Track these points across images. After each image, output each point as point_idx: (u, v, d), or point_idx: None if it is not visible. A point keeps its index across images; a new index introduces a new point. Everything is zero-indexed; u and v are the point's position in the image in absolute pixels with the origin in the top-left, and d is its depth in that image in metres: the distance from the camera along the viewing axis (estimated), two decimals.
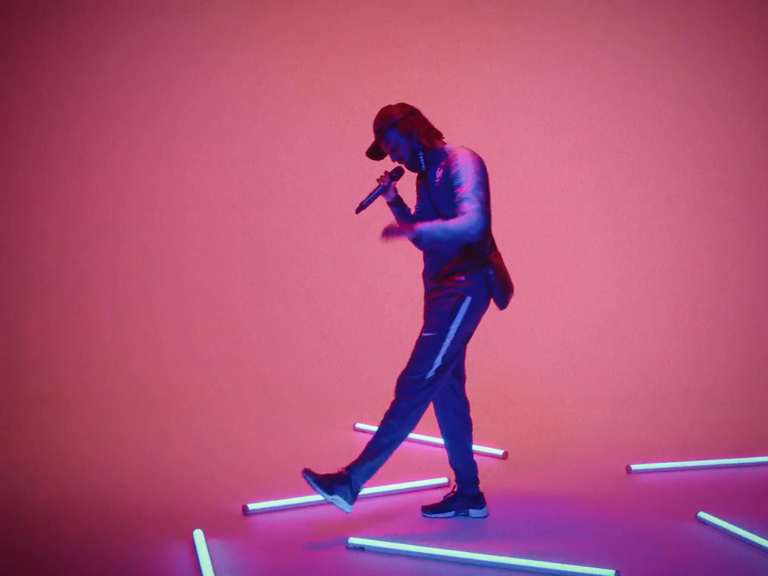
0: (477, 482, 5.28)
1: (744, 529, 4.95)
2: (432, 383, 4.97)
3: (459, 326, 4.95)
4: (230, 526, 5.08)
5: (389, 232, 4.80)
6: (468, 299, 4.93)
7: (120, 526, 5.09)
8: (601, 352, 7.91)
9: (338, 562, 4.69)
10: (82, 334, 7.93)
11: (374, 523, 5.14)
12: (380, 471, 5.08)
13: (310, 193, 8.05)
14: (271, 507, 5.29)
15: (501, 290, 4.96)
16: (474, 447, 6.33)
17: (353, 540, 4.81)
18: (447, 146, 5.01)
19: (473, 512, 5.23)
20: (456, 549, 4.72)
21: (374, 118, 5.04)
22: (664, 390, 7.69)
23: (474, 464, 5.31)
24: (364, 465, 4.96)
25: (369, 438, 6.51)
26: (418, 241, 4.98)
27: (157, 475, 5.96)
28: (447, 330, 4.93)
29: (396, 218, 5.15)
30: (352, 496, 4.89)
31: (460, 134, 7.99)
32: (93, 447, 6.53)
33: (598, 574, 4.40)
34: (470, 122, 7.96)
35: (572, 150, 8.03)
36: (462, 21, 7.97)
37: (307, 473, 4.86)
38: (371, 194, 5.02)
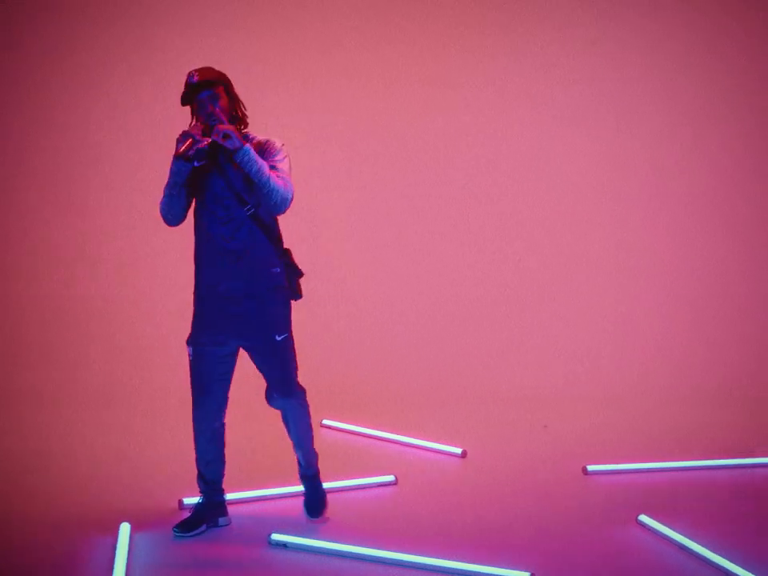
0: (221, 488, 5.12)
1: (681, 534, 4.85)
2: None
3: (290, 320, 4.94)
4: (165, 519, 5.07)
5: (222, 129, 4.54)
6: (286, 291, 4.90)
7: (49, 518, 5.10)
8: (565, 352, 7.78)
9: (259, 558, 4.68)
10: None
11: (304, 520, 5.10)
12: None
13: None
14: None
15: (296, 282, 4.95)
16: (433, 445, 6.36)
17: (275, 536, 4.78)
18: (249, 134, 4.84)
19: (222, 520, 5.04)
20: (380, 548, 4.68)
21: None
22: (630, 390, 7.53)
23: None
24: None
25: (337, 434, 6.61)
26: (232, 155, 4.60)
27: (96, 469, 5.93)
28: (290, 327, 4.93)
29: (178, 185, 4.69)
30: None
31: (461, 133, 8.07)
32: (22, 441, 6.45)
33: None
34: (471, 123, 7.89)
35: (572, 150, 7.90)
36: (462, 21, 7.88)
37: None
38: (192, 145, 4.57)
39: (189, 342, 4.90)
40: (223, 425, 5.00)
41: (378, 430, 6.60)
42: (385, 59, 7.86)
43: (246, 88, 7.60)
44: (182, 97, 4.76)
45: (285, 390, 4.93)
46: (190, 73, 4.75)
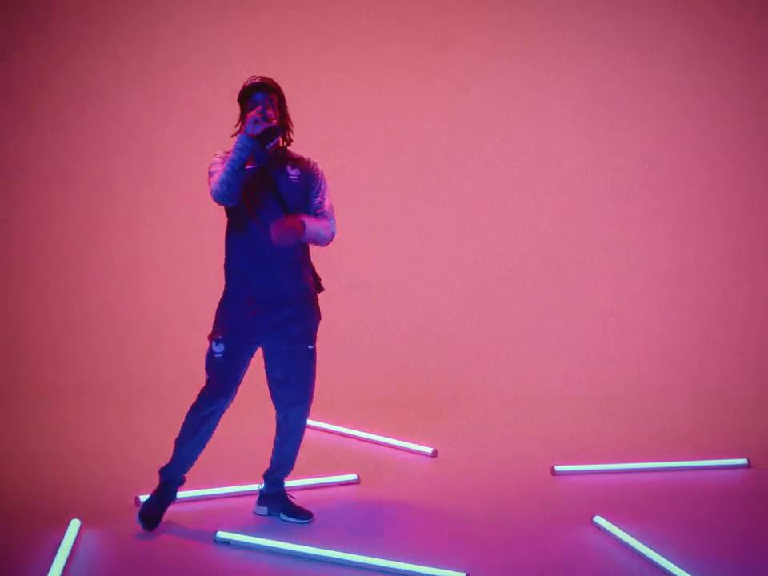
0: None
1: (631, 535, 4.80)
2: None
3: None
4: (119, 517, 5.09)
5: (284, 231, 4.65)
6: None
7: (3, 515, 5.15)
8: (542, 353, 7.72)
9: (203, 556, 4.68)
10: None
11: (261, 519, 5.12)
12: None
13: None
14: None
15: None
16: (405, 445, 6.35)
17: (220, 534, 4.80)
18: (295, 153, 5.00)
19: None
20: (325, 547, 4.67)
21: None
22: (607, 391, 7.46)
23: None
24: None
25: (307, 432, 6.59)
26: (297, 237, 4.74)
27: (51, 467, 5.93)
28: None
29: (242, 163, 4.71)
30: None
31: (459, 134, 8.02)
32: None
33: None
34: (470, 123, 7.86)
35: (573, 151, 7.82)
36: (461, 21, 7.85)
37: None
38: (259, 127, 4.72)
39: (220, 338, 4.84)
40: None
41: (348, 428, 6.60)
42: (384, 59, 7.85)
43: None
44: (240, 93, 4.88)
45: (302, 398, 4.98)
46: (251, 77, 4.90)
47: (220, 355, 4.84)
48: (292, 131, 4.98)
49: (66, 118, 7.98)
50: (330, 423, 6.66)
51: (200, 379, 4.99)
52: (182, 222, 8.00)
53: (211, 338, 4.88)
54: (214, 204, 4.88)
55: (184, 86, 7.95)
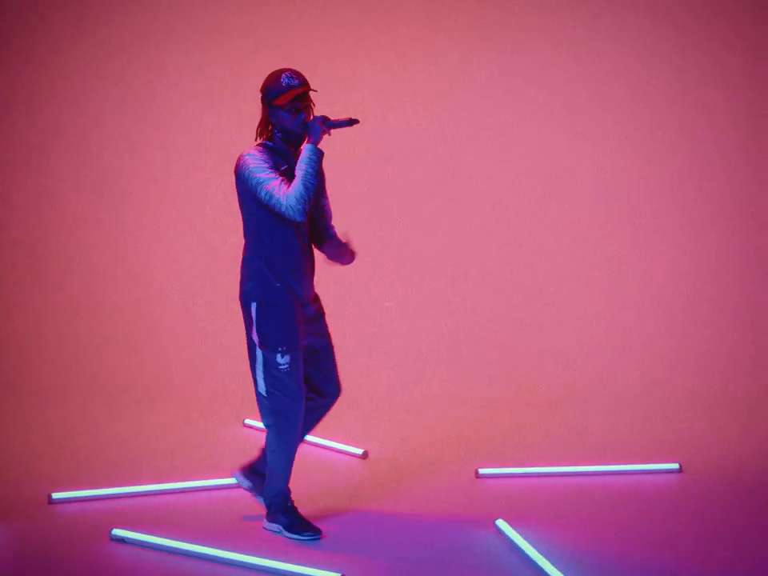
0: None
1: (527, 540, 4.76)
2: None
3: None
4: (31, 513, 5.17)
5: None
6: None
7: None
8: (474, 354, 7.69)
9: (96, 554, 4.73)
10: None
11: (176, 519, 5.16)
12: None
13: None
14: (75, 497, 5.34)
15: None
16: (335, 445, 6.35)
17: (115, 531, 4.83)
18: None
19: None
20: (218, 547, 4.69)
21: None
22: (543, 395, 7.40)
23: None
24: None
25: (259, 434, 6.60)
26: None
27: None
28: None
29: (311, 180, 4.71)
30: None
31: (460, 136, 7.99)
32: None
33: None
34: (470, 123, 7.85)
35: (574, 152, 7.77)
36: (463, 22, 7.83)
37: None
38: (342, 120, 4.79)
39: (285, 349, 4.81)
40: None
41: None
42: (383, 58, 7.86)
43: (248, 82, 7.80)
44: (282, 94, 4.74)
45: (339, 385, 5.11)
46: (289, 73, 4.78)
47: (286, 366, 4.82)
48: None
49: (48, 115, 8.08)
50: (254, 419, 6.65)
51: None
52: (175, 223, 8.09)
53: (271, 350, 4.80)
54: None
55: (179, 80, 8.01)
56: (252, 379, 4.93)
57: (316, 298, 5.01)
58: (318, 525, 4.95)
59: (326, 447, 6.33)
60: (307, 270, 4.90)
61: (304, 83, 4.79)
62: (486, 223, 7.86)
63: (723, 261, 7.67)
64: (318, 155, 4.74)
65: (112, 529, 4.84)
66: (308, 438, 6.39)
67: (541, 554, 4.59)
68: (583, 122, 7.76)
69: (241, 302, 4.89)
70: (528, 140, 7.80)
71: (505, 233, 7.85)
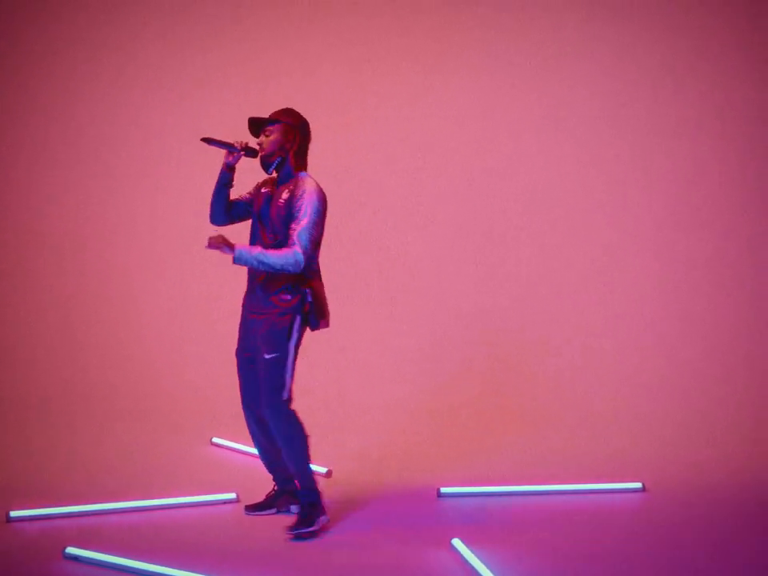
0: (293, 477, 5.44)
1: (481, 560, 4.75)
2: (290, 398, 5.21)
3: (295, 344, 5.19)
4: None
5: (213, 243, 4.99)
6: (298, 317, 5.18)
7: None
8: (436, 370, 7.71)
9: (51, 572, 4.70)
10: None
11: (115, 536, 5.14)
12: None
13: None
14: (33, 515, 5.32)
15: (315, 313, 5.21)
16: None
17: (69, 550, 4.81)
18: (302, 174, 5.22)
19: (293, 507, 5.45)
20: (171, 566, 4.69)
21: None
22: (508, 413, 7.42)
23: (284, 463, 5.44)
24: (305, 493, 5.28)
25: (226, 453, 6.61)
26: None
27: None
28: (287, 349, 5.15)
29: (217, 185, 5.31)
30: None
31: (461, 137, 8.01)
32: None
33: None
34: (470, 123, 7.89)
35: (576, 157, 7.81)
36: (463, 23, 7.86)
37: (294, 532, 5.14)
38: (224, 142, 5.20)
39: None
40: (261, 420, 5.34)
41: (241, 444, 6.65)
42: (383, 58, 7.91)
43: (246, 83, 7.83)
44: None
45: (265, 401, 5.21)
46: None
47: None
48: (292, 152, 5.20)
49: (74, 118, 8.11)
50: (220, 438, 6.72)
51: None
52: (167, 226, 8.10)
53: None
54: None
55: (175, 81, 8.09)
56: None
57: (257, 315, 5.23)
58: (278, 544, 5.01)
59: None
60: (250, 281, 5.28)
61: (251, 120, 5.29)
62: (473, 240, 7.87)
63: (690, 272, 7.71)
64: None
65: (66, 547, 4.83)
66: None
67: (493, 572, 4.58)
68: (587, 127, 7.78)
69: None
70: (526, 144, 7.83)
71: (488, 255, 7.85)
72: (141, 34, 8.06)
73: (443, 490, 5.81)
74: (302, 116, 5.30)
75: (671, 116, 7.71)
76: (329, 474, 6.18)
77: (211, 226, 5.49)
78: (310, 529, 5.16)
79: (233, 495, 5.67)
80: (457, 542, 4.96)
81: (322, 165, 7.58)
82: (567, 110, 7.81)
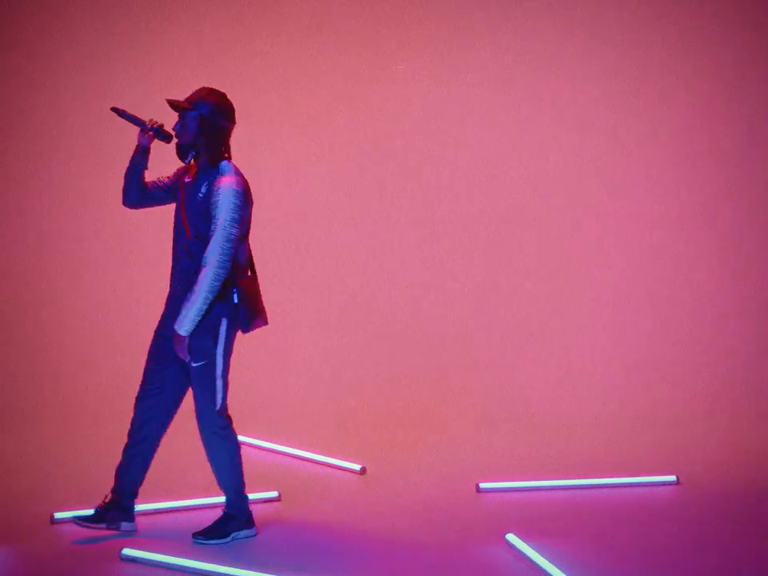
0: (135, 494, 5.11)
1: (541, 553, 4.78)
2: (225, 406, 4.99)
3: (224, 350, 4.91)
4: (32, 533, 5.09)
5: (179, 349, 4.83)
6: (224, 321, 4.88)
7: None
8: (471, 371, 7.66)
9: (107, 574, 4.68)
10: None
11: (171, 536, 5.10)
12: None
13: None
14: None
15: (244, 315, 4.89)
16: (332, 461, 6.32)
17: (126, 551, 4.77)
18: (224, 164, 4.89)
19: (125, 525, 5.05)
20: (229, 565, 4.66)
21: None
22: (540, 410, 7.41)
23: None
24: (230, 504, 5.07)
25: (254, 451, 6.56)
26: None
27: None
28: (215, 356, 4.89)
29: (130, 164, 4.97)
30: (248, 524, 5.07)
31: (457, 136, 8.00)
32: None
33: None
34: (469, 124, 7.84)
35: (577, 157, 7.78)
36: (461, 21, 7.84)
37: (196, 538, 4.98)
38: (134, 117, 4.94)
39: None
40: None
41: (277, 444, 6.61)
42: (382, 58, 7.84)
43: (242, 86, 7.79)
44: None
45: (197, 413, 5.01)
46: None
47: None
48: (207, 144, 4.87)
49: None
50: (254, 438, 6.63)
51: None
52: (159, 230, 7.98)
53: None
54: None
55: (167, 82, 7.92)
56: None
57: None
58: (317, 544, 5.01)
59: (323, 463, 6.31)
60: (172, 285, 5.01)
61: (170, 103, 4.94)
62: (477, 242, 7.86)
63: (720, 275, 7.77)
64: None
65: (122, 548, 4.79)
66: (304, 454, 6.46)
67: (556, 566, 4.61)
68: (587, 127, 7.76)
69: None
70: (526, 144, 7.81)
71: (495, 252, 7.84)
72: (139, 36, 7.97)
73: (482, 485, 5.83)
74: (223, 101, 4.93)
75: (671, 116, 7.76)
76: (363, 471, 6.18)
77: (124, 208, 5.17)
78: (222, 540, 4.96)
79: (275, 494, 5.65)
80: (512, 537, 4.98)
81: (321, 163, 7.65)
82: (567, 110, 7.81)
